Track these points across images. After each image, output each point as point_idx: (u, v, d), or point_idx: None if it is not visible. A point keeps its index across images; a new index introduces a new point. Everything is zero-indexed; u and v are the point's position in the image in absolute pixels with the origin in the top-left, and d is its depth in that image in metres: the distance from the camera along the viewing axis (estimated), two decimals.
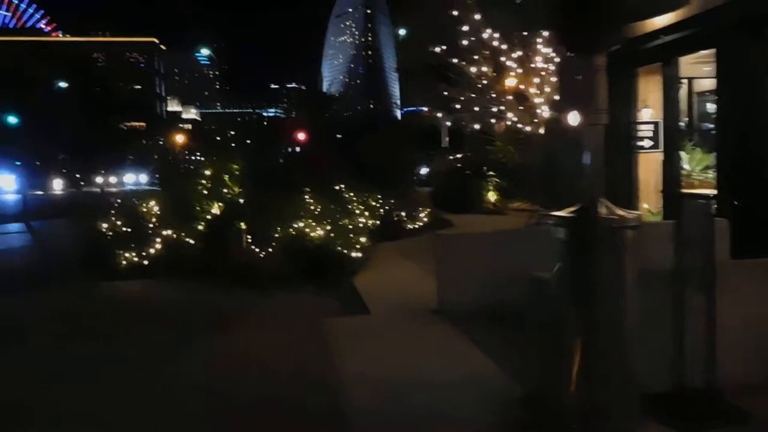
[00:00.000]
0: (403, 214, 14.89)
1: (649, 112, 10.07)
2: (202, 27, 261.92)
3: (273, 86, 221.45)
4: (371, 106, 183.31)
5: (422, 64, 24.08)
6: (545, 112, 18.55)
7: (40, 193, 49.22)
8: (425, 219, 15.49)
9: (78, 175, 62.87)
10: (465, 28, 18.71)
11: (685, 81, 10.07)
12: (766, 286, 4.81)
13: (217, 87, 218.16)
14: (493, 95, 19.88)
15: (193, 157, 12.99)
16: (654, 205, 9.88)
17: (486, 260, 6.96)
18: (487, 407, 4.52)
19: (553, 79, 18.09)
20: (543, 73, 18.27)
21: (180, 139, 51.01)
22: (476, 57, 19.49)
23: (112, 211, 11.98)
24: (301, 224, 10.10)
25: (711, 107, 12.19)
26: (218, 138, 13.96)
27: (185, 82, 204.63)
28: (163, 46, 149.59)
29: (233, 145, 12.61)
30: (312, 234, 9.99)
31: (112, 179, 63.13)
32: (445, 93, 21.56)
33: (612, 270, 3.67)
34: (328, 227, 10.24)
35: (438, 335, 6.38)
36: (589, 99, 3.68)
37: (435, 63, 21.22)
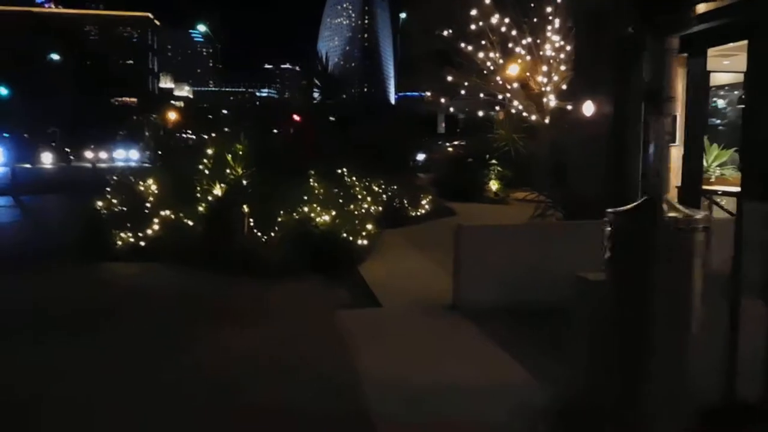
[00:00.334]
0: (405, 201, 14.56)
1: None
2: (198, 2, 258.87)
3: (267, 66, 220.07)
4: (365, 89, 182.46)
5: (425, 49, 23.62)
6: (552, 101, 18.22)
7: (29, 166, 48.32)
8: (427, 206, 15.19)
9: (68, 149, 61.76)
10: (473, 12, 18.30)
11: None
12: None
13: (211, 65, 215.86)
14: (500, 82, 19.50)
15: (193, 136, 12.50)
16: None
17: (508, 254, 6.65)
18: (518, 417, 4.20)
19: (563, 67, 17.74)
20: (552, 61, 17.90)
21: (172, 116, 50.36)
22: (484, 42, 19.08)
23: (107, 189, 11.48)
24: (306, 209, 9.71)
25: (727, 102, 11.93)
26: (210, 116, 13.45)
27: (178, 59, 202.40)
28: (157, 22, 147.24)
29: (234, 125, 12.12)
30: (317, 219, 9.61)
31: (103, 154, 62.15)
32: (450, 78, 21.17)
33: (677, 274, 3.34)
34: (333, 213, 9.86)
35: (460, 335, 6.01)
36: (659, 86, 3.32)
37: (440, 48, 20.79)
